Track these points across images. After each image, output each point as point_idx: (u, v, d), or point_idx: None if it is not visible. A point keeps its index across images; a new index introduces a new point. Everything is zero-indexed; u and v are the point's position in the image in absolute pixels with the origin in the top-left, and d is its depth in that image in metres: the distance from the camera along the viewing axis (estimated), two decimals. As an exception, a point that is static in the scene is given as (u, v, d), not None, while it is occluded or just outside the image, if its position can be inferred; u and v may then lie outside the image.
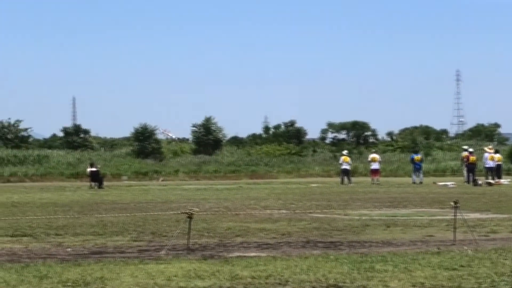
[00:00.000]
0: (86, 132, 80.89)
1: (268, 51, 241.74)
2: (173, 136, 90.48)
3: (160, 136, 78.92)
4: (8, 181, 51.43)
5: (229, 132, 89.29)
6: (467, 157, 40.41)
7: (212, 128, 75.93)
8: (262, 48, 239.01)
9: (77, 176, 53.18)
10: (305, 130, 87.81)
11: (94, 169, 40.63)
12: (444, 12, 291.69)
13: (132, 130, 72.93)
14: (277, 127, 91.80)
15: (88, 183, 39.99)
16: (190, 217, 11.81)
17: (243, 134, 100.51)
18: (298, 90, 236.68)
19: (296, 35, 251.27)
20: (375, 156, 43.22)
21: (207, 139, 74.57)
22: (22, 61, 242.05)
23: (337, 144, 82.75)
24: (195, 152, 73.67)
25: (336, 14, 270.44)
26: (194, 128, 76.56)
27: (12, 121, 76.27)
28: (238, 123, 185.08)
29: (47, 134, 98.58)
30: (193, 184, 43.82)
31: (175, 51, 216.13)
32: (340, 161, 42.83)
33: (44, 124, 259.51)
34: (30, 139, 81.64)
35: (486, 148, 42.96)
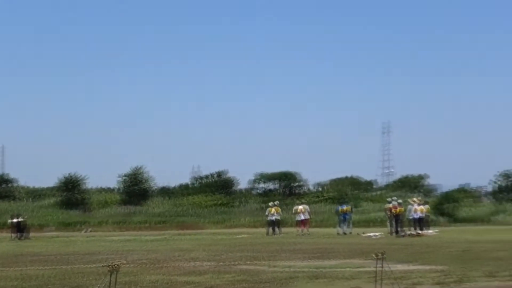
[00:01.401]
0: (13, 181, 79.35)
1: (197, 100, 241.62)
2: None
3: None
4: None
5: (158, 182, 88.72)
6: (390, 209, 40.90)
7: (141, 178, 75.37)
8: (190, 97, 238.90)
9: (-1, 227, 52.05)
10: (235, 180, 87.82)
11: (18, 220, 39.86)
12: (372, 61, 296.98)
13: (58, 180, 71.93)
14: (206, 177, 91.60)
15: (9, 235, 39.18)
16: (114, 270, 11.63)
17: (172, 184, 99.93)
18: (229, 140, 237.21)
19: (224, 85, 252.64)
20: (301, 207, 43.40)
21: (135, 189, 73.93)
22: None
23: (267, 195, 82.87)
24: (123, 202, 72.93)
25: (263, 64, 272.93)
26: (122, 178, 75.89)
27: None
28: (167, 173, 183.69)
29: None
30: (120, 235, 43.31)
31: (102, 99, 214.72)
32: (267, 212, 42.93)
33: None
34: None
35: (413, 199, 43.61)
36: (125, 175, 75.49)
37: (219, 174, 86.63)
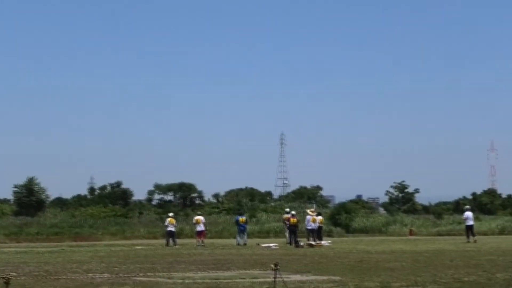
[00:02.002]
0: None
1: (92, 112, 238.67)
2: None
3: None
4: None
5: (52, 193, 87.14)
6: (288, 219, 41.35)
7: (35, 188, 73.86)
8: (85, 109, 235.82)
9: None
10: (131, 191, 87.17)
11: None
12: (269, 72, 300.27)
13: None
14: (102, 188, 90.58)
15: None
16: (6, 282, 11.38)
17: (67, 195, 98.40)
18: (125, 150, 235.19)
19: (116, 96, 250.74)
20: (199, 218, 43.31)
21: (29, 200, 72.41)
22: None
23: (164, 206, 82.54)
24: (17, 213, 71.33)
25: (159, 74, 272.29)
26: (16, 189, 74.22)
27: None
28: (62, 183, 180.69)
29: None
30: (13, 247, 42.24)
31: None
32: (166, 223, 42.68)
33: None
34: None
35: (308, 211, 44.17)
36: (18, 186, 73.83)
37: (116, 185, 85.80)
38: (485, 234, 60.57)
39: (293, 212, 42.14)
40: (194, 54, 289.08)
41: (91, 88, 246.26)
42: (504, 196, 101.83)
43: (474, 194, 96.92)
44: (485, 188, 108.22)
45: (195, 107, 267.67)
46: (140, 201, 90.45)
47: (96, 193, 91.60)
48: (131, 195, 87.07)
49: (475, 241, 40.57)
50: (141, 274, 19.45)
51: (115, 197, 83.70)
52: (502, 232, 64.97)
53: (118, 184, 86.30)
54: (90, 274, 19.67)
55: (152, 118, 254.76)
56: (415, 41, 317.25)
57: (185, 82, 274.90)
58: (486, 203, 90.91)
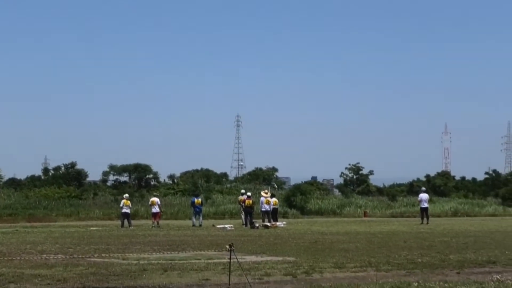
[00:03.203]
0: None
1: (46, 91, 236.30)
2: None
3: None
4: None
5: (6, 173, 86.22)
6: (244, 201, 41.43)
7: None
8: (40, 87, 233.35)
9: None
10: (86, 172, 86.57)
11: None
12: (225, 53, 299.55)
13: None
14: (57, 168, 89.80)
15: None
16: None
17: (21, 175, 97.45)
18: (80, 130, 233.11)
19: (73, 77, 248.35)
20: (154, 199, 43.15)
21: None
22: None
23: (119, 187, 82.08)
24: (-31, 194, 70.45)
25: (122, 57, 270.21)
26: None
27: None
28: (16, 164, 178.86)
29: None
30: (-35, 228, 41.73)
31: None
32: (121, 204, 42.45)
33: None
34: None
35: (262, 193, 44.27)
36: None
37: (70, 166, 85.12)
38: (438, 216, 61.35)
39: (248, 194, 42.20)
40: (150, 35, 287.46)
41: (48, 66, 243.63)
42: (457, 178, 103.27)
43: (428, 176, 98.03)
44: (439, 171, 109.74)
45: (151, 88, 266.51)
46: (94, 182, 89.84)
47: (50, 174, 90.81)
48: (86, 176, 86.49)
49: (427, 223, 41.07)
50: (95, 255, 19.35)
51: (69, 178, 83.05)
52: (455, 214, 65.87)
53: (73, 164, 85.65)
54: (44, 255, 19.52)
55: (108, 99, 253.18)
56: (364, 19, 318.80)
57: (141, 64, 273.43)
58: (440, 185, 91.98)
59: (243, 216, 41.69)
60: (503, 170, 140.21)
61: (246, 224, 39.87)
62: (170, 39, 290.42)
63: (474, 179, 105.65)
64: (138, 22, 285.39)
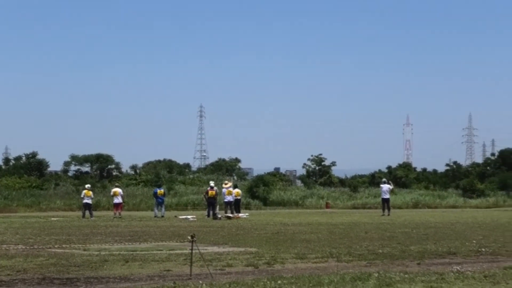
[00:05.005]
0: None
1: (5, 79, 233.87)
2: None
3: None
4: None
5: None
6: (207, 191, 41.37)
7: None
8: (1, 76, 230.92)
9: None
10: (47, 162, 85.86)
11: None
12: (189, 43, 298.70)
13: None
14: (18, 158, 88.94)
15: None
16: None
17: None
18: (41, 120, 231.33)
19: (35, 65, 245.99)
20: (117, 189, 42.95)
21: None
22: None
23: (80, 177, 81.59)
24: None
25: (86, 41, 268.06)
26: None
27: None
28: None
29: None
30: None
31: None
32: (82, 195, 42.15)
33: None
34: None
35: (225, 183, 44.29)
36: None
37: (31, 155, 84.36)
38: (399, 207, 61.93)
39: (211, 185, 42.16)
40: (112, 24, 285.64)
41: (3, 55, 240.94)
42: (418, 170, 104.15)
43: (389, 167, 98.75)
44: (400, 162, 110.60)
45: (114, 78, 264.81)
46: (56, 172, 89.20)
47: (11, 163, 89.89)
48: (47, 166, 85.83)
49: (388, 215, 41.35)
50: (56, 246, 19.19)
51: (30, 168, 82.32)
52: (416, 205, 66.52)
53: (34, 154, 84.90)
54: (4, 246, 19.35)
55: (70, 89, 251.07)
56: (320, 7, 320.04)
57: (104, 54, 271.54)
58: (401, 176, 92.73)
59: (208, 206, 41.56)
60: (463, 162, 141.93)
61: (208, 215, 39.84)
62: (133, 29, 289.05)
63: (435, 171, 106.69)
64: (101, 12, 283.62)
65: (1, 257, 16.31)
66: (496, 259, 15.79)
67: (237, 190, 43.93)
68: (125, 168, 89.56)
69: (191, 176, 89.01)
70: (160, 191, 43.14)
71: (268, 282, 11.50)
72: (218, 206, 41.22)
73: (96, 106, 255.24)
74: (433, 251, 17.54)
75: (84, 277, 12.87)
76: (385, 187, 43.95)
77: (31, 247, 18.75)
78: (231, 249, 18.51)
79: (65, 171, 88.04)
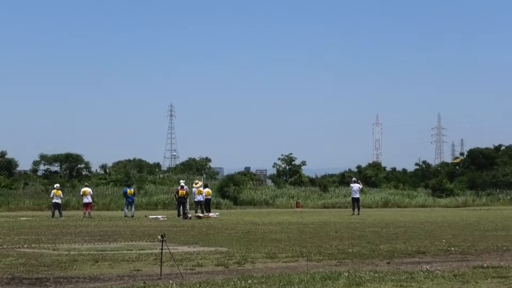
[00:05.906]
0: None
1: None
2: None
3: None
4: None
5: None
6: (178, 191, 41.28)
7: None
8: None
9: None
10: (16, 162, 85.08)
11: None
12: (159, 42, 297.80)
13: None
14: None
15: None
16: None
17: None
18: (10, 119, 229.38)
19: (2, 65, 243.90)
20: (86, 189, 42.73)
21: None
22: None
23: (50, 177, 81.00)
24: None
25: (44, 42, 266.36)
26: None
27: None
28: None
29: None
30: None
31: None
32: (51, 195, 41.87)
33: None
34: None
35: (195, 182, 44.21)
36: None
37: (0, 155, 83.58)
38: (369, 206, 62.20)
39: (182, 184, 42.08)
40: (83, 26, 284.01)
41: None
42: (388, 169, 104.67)
43: (359, 167, 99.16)
44: (370, 161, 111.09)
45: (83, 76, 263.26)
46: (25, 172, 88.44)
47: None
48: (16, 165, 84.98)
49: (358, 214, 41.53)
50: (25, 246, 19.06)
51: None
52: (386, 204, 66.81)
53: (2, 154, 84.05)
54: (-28, 246, 19.17)
55: (38, 87, 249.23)
56: (293, 11, 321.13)
57: (74, 53, 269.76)
58: (371, 176, 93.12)
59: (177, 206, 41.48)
60: (433, 161, 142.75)
61: (179, 215, 39.75)
62: (101, 27, 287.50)
63: (404, 170, 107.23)
64: (76, 13, 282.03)
65: (-31, 257, 16.16)
66: (466, 258, 15.91)
67: (207, 189, 43.87)
68: (95, 167, 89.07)
69: (161, 175, 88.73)
70: (130, 190, 42.99)
71: (238, 281, 11.51)
72: (188, 206, 41.23)
73: (64, 105, 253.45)
74: (402, 250, 17.65)
75: (54, 277, 12.79)
76: (355, 186, 44.16)
77: (0, 247, 18.60)
78: (201, 248, 18.49)
79: (34, 170, 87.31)
